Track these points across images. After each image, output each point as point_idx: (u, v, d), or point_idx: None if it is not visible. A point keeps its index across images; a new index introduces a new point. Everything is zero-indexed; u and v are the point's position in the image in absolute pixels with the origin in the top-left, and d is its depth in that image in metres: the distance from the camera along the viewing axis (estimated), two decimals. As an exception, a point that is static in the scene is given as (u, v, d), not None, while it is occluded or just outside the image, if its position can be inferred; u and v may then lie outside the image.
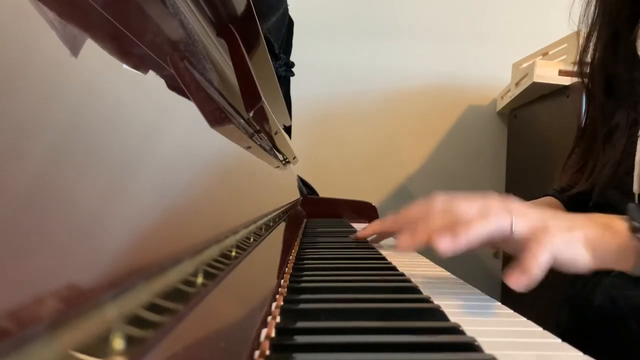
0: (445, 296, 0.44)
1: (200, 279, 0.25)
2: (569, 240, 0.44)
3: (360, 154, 1.69)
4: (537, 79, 1.31)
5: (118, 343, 0.15)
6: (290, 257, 0.58)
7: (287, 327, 0.33)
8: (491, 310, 0.41)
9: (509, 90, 1.54)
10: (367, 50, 1.69)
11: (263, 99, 0.57)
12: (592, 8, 0.72)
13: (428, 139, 1.71)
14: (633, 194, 0.62)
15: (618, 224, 0.48)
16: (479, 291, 0.47)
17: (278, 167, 0.83)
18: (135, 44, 0.28)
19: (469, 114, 1.71)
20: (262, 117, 0.65)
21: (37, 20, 0.18)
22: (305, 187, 1.36)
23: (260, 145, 0.66)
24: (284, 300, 0.39)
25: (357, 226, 0.98)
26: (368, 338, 0.31)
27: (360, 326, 0.33)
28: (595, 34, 0.72)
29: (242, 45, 0.58)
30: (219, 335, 0.24)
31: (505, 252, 0.81)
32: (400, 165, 1.71)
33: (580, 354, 0.31)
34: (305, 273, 0.51)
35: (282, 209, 0.72)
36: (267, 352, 0.28)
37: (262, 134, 0.70)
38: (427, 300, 0.41)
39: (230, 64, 0.58)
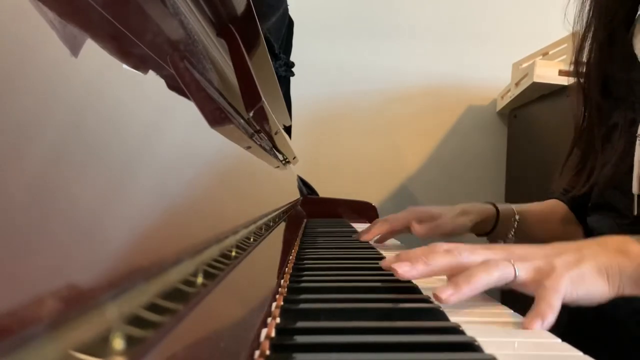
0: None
1: (200, 279, 0.25)
2: (578, 275, 0.42)
3: (360, 154, 1.69)
4: (537, 79, 1.31)
5: (118, 343, 0.15)
6: (290, 257, 0.58)
7: (287, 327, 0.33)
8: (491, 310, 0.41)
9: (509, 90, 1.54)
10: (367, 50, 1.69)
11: (263, 99, 0.57)
12: (587, 8, 0.72)
13: (428, 139, 1.71)
14: (632, 194, 0.62)
15: (633, 247, 0.46)
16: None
17: (278, 167, 0.83)
18: (135, 44, 0.28)
19: (469, 114, 1.71)
20: (262, 117, 0.65)
21: (37, 20, 0.18)
22: (305, 187, 1.36)
23: (260, 145, 0.66)
24: (284, 300, 0.38)
25: (357, 226, 0.98)
26: (368, 338, 0.31)
27: (361, 326, 0.33)
28: (591, 34, 0.72)
29: (242, 45, 0.58)
30: (219, 335, 0.24)
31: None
32: (400, 165, 1.71)
33: (580, 354, 0.31)
34: (305, 273, 0.51)
35: (282, 209, 0.72)
36: (267, 352, 0.28)
37: (262, 134, 0.70)
38: (427, 300, 0.41)
39: (230, 64, 0.58)
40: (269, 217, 0.57)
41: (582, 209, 0.76)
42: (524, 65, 1.45)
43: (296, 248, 0.67)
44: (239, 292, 0.32)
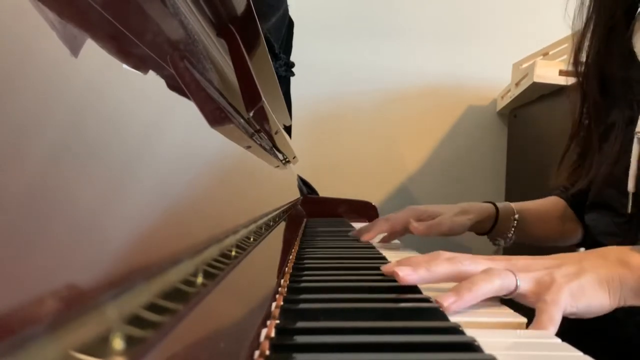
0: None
1: (200, 279, 0.25)
2: (578, 288, 0.42)
3: (360, 153, 1.69)
4: (537, 79, 1.31)
5: (118, 343, 0.15)
6: (290, 257, 0.58)
7: (287, 327, 0.33)
8: (491, 310, 0.41)
9: (509, 90, 1.54)
10: (367, 50, 1.69)
11: (263, 98, 0.57)
12: (587, 4, 0.72)
13: (428, 139, 1.71)
14: (628, 193, 0.62)
15: (634, 258, 0.46)
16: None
17: (278, 166, 0.83)
18: (135, 44, 0.28)
19: (469, 114, 1.71)
20: (262, 116, 0.65)
21: (37, 20, 0.18)
22: (305, 186, 1.36)
23: (261, 145, 0.66)
24: (284, 300, 0.38)
25: (357, 226, 0.98)
26: (368, 338, 0.31)
27: (361, 326, 0.33)
28: (590, 32, 0.72)
29: (242, 45, 0.58)
30: (219, 335, 0.24)
31: (504, 250, 0.81)
32: (400, 165, 1.71)
33: (580, 354, 0.31)
34: (305, 273, 0.51)
35: (282, 209, 0.72)
36: (267, 352, 0.28)
37: (262, 133, 0.70)
38: (427, 300, 0.41)
39: (230, 64, 0.58)
40: (269, 216, 0.57)
41: (582, 206, 0.76)
42: (524, 65, 1.44)
43: (296, 248, 0.67)
44: (239, 292, 0.32)
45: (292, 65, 1.39)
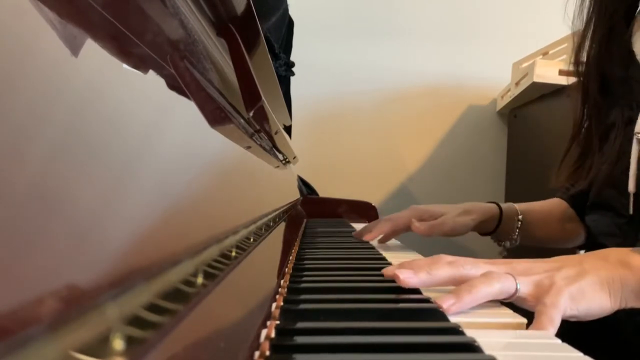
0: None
1: (200, 279, 0.25)
2: (578, 290, 0.42)
3: (360, 153, 1.69)
4: (537, 79, 1.31)
5: (118, 343, 0.15)
6: (290, 257, 0.58)
7: (287, 327, 0.33)
8: (491, 311, 0.41)
9: (509, 90, 1.54)
10: (367, 50, 1.69)
11: (263, 98, 0.57)
12: (587, 5, 0.72)
13: (428, 139, 1.71)
14: (628, 193, 0.62)
15: (635, 260, 0.46)
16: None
17: (278, 167, 0.83)
18: (135, 44, 0.28)
19: (469, 114, 1.71)
20: (262, 116, 0.65)
21: (37, 20, 0.18)
22: (305, 187, 1.36)
23: (260, 145, 0.66)
24: (284, 301, 0.38)
25: (357, 226, 0.98)
26: (368, 339, 0.31)
27: (361, 327, 0.33)
28: (590, 32, 0.72)
29: (242, 45, 0.58)
30: (219, 335, 0.24)
31: (508, 252, 0.81)
32: (400, 165, 1.71)
33: (581, 354, 0.31)
34: (306, 273, 0.51)
35: (282, 209, 0.72)
36: (267, 353, 0.28)
37: (262, 133, 0.70)
38: (427, 300, 0.41)
39: (230, 63, 0.58)
40: (269, 217, 0.57)
41: (583, 207, 0.76)
42: (524, 65, 1.44)
43: (296, 248, 0.67)
44: (239, 293, 0.32)
45: (292, 65, 1.39)
